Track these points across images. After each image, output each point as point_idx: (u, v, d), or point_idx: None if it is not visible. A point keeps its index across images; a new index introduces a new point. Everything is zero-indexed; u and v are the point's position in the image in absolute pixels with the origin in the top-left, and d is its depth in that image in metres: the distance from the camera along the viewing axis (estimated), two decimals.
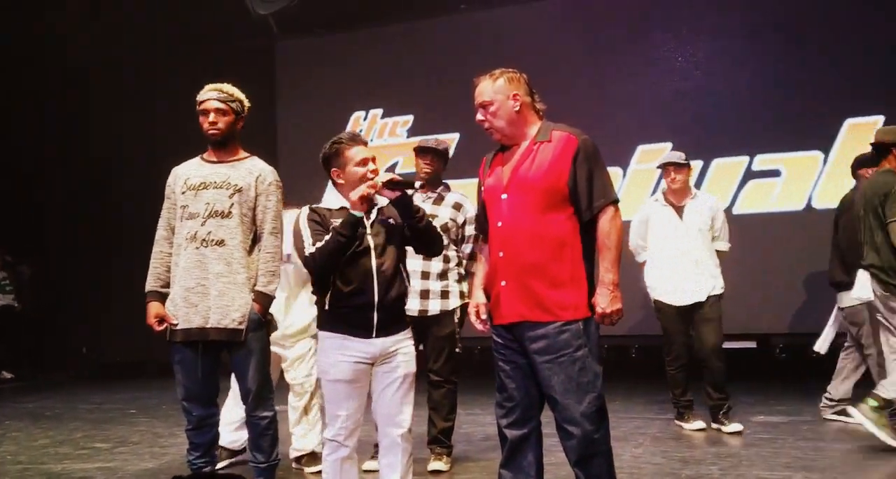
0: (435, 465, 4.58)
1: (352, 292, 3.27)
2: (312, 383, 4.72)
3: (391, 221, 3.39)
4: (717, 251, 5.64)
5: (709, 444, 5.00)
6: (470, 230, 4.64)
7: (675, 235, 5.55)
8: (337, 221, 3.28)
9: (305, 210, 3.42)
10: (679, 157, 5.61)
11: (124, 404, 7.58)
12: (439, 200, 4.66)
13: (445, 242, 4.50)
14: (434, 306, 4.57)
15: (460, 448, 5.10)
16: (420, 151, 4.71)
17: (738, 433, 5.28)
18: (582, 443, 3.08)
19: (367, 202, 3.29)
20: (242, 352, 3.71)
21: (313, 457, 4.67)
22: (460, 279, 4.68)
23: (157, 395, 7.69)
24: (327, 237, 3.25)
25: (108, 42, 9.73)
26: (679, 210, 5.60)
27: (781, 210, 7.89)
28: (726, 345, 8.18)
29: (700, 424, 5.53)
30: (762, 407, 6.26)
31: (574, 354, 3.08)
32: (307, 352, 4.70)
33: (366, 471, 4.39)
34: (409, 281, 3.42)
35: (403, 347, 3.37)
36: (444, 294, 4.58)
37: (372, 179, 3.30)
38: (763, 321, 7.97)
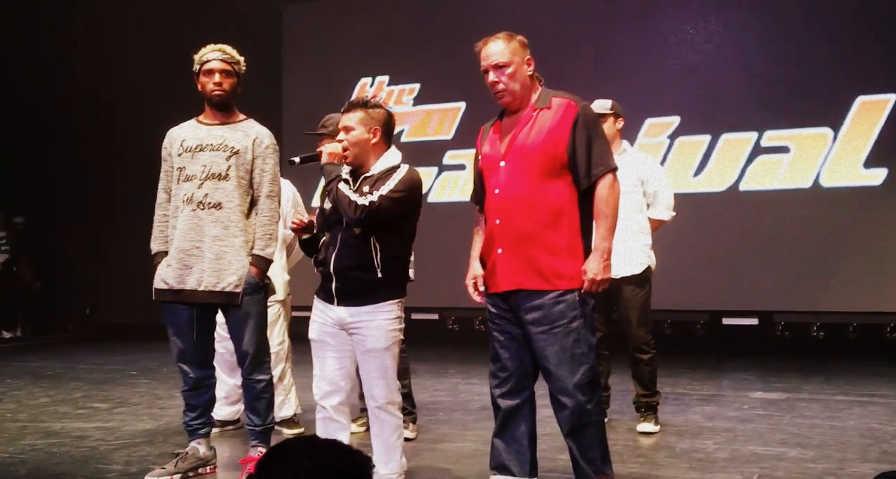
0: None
1: (323, 258, 3.39)
2: (286, 350, 4.73)
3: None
4: (651, 219, 4.70)
5: (705, 419, 5.00)
6: None
7: None
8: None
9: None
10: (602, 106, 4.57)
11: (125, 365, 7.61)
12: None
13: None
14: None
15: (456, 417, 5.13)
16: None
17: (650, 434, 4.57)
18: (574, 414, 3.08)
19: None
20: (240, 315, 3.71)
21: (291, 421, 4.71)
22: None
23: (157, 357, 7.70)
24: None
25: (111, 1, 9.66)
26: None
27: (788, 187, 7.82)
28: (727, 321, 8.24)
29: None
30: (761, 383, 6.26)
31: (569, 325, 3.07)
32: (278, 318, 4.68)
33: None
34: (377, 253, 3.28)
35: (367, 321, 3.31)
36: None
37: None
38: (765, 298, 7.95)
